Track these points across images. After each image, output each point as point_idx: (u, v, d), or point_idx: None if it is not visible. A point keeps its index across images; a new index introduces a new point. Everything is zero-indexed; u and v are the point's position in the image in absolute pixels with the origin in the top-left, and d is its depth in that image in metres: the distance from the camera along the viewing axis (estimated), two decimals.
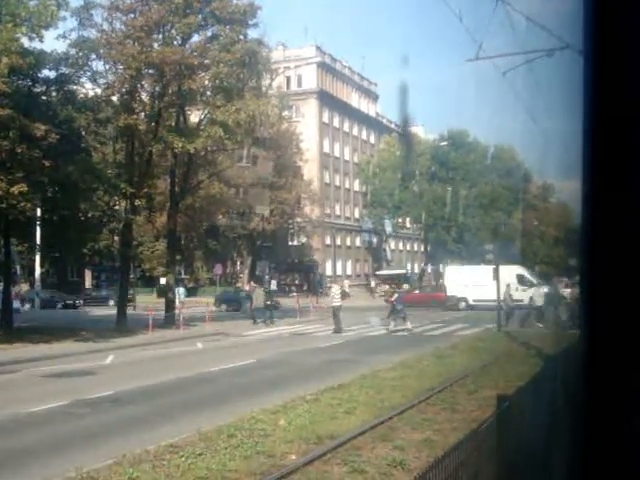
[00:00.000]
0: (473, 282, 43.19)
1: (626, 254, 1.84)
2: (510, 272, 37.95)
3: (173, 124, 33.61)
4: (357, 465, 9.01)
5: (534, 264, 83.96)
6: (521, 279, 43.33)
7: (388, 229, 79.59)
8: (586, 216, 1.95)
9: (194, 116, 36.20)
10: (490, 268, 31.89)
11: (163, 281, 40.71)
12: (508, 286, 33.31)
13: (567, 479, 2.89)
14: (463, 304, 46.10)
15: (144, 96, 33.43)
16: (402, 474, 8.35)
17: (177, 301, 36.10)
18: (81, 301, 54.62)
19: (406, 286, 69.03)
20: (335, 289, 33.12)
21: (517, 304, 35.12)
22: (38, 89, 28.40)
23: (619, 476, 1.86)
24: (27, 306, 46.73)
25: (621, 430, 1.84)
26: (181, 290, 47.93)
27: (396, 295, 32.75)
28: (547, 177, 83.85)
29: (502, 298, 31.63)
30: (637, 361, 1.81)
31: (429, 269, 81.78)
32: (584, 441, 1.96)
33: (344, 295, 41.81)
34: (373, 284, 72.36)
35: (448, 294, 46.77)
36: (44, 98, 28.74)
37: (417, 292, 51.20)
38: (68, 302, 53.07)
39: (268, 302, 35.56)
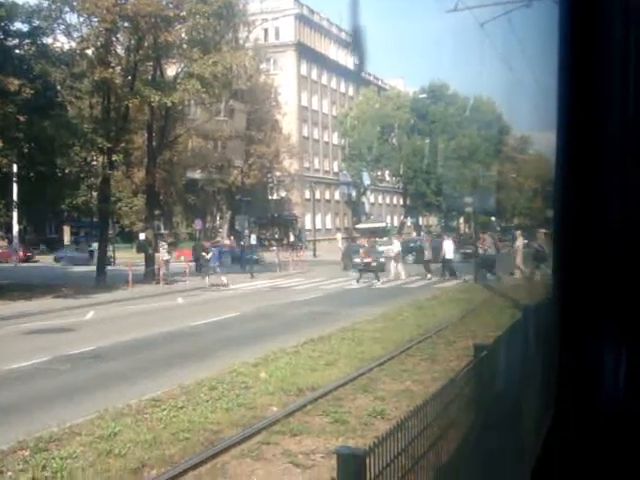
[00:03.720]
0: None
1: (599, 205, 1.86)
2: None
3: (150, 78, 33.18)
4: (338, 416, 9.12)
5: (512, 215, 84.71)
6: None
7: (366, 182, 79.45)
8: (560, 166, 1.97)
9: (171, 69, 35.75)
10: None
11: (142, 236, 40.35)
12: None
13: (538, 426, 2.96)
14: None
15: (119, 49, 32.98)
16: (382, 423, 8.46)
17: (161, 258, 33.86)
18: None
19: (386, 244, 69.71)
20: (163, 245, 34.64)
21: None
22: (11, 42, 27.91)
23: (588, 423, 1.90)
24: None
25: (590, 378, 1.88)
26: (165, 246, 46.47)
27: (210, 253, 32.92)
28: (525, 129, 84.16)
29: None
30: (607, 310, 1.84)
31: (409, 222, 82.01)
32: (555, 389, 2.00)
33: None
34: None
35: None
36: (17, 52, 28.28)
37: None
38: None
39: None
